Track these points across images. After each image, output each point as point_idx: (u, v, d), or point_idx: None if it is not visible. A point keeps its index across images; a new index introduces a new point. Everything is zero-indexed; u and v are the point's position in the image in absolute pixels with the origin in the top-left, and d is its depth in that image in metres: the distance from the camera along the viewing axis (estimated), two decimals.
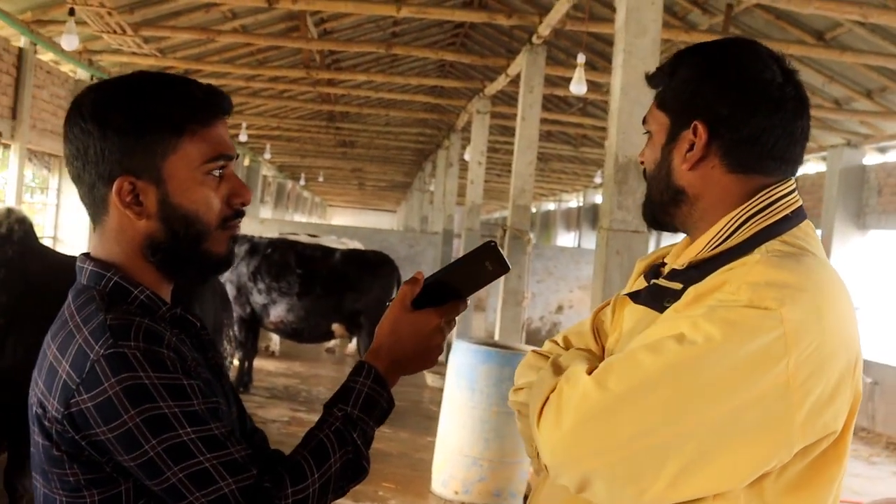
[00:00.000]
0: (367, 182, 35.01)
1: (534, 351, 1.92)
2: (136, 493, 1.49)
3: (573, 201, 29.32)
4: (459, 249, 14.83)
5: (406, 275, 18.50)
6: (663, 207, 1.76)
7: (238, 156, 1.68)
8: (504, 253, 1.65)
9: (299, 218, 36.89)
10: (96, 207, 1.58)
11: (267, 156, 22.17)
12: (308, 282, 9.73)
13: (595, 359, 1.74)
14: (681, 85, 1.71)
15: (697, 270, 1.64)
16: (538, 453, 1.67)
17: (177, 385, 1.44)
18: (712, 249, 1.67)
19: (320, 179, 31.46)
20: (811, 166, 14.62)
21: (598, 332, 1.88)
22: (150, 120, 1.53)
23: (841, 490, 1.66)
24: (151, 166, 1.53)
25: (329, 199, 48.42)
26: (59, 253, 4.81)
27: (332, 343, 14.83)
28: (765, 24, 9.89)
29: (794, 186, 1.74)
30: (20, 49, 9.90)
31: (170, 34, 11.11)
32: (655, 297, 1.72)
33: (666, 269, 1.78)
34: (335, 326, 9.86)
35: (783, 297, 1.50)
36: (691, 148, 1.69)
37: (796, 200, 1.72)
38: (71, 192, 11.53)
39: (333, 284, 9.73)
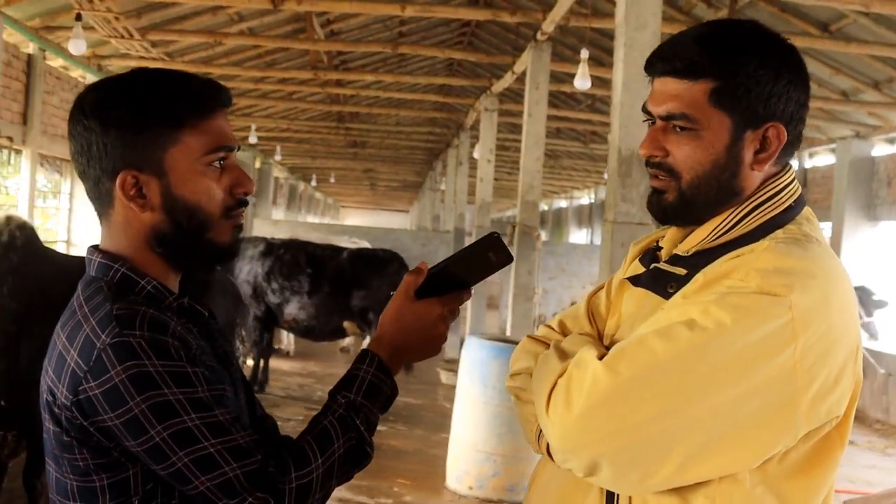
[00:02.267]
0: (378, 182, 35.04)
1: (529, 336, 1.92)
2: (144, 477, 1.53)
3: (585, 198, 29.29)
4: None
5: None
6: (707, 207, 1.69)
7: (239, 147, 1.67)
8: (507, 243, 1.67)
9: (312, 219, 36.98)
10: (102, 202, 1.62)
11: (277, 157, 22.20)
12: (317, 280, 9.81)
13: (596, 340, 1.76)
14: (749, 84, 1.62)
15: (703, 258, 1.65)
16: (538, 437, 1.70)
17: (181, 372, 1.48)
18: (717, 238, 1.67)
19: (332, 180, 31.50)
20: (821, 158, 14.58)
21: (592, 315, 1.89)
22: (150, 114, 1.56)
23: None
24: (153, 159, 1.57)
25: (341, 200, 48.48)
26: (63, 254, 4.85)
27: (346, 342, 14.93)
28: (769, 16, 9.87)
29: (794, 175, 1.75)
30: (29, 55, 9.97)
31: (177, 38, 11.17)
32: (657, 281, 1.73)
33: (664, 254, 1.77)
34: (346, 324, 9.91)
35: (792, 283, 1.52)
36: (761, 149, 1.66)
37: (797, 189, 1.73)
38: (83, 196, 11.61)
39: (342, 282, 9.80)
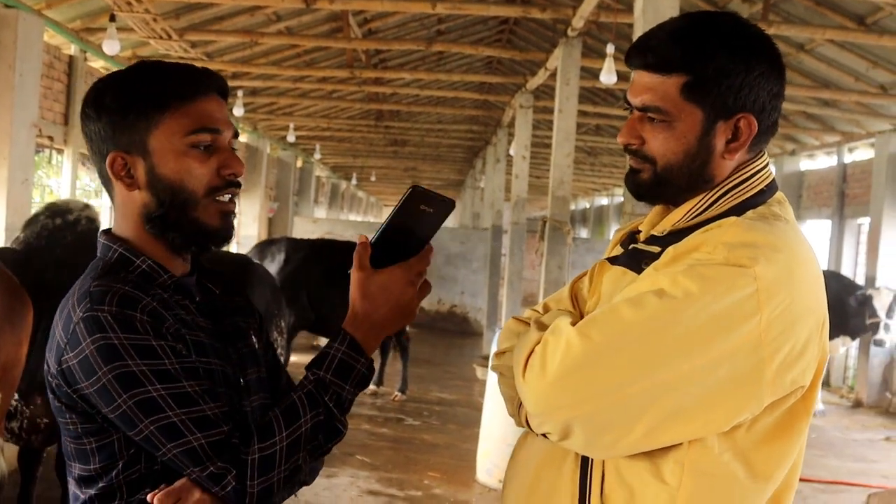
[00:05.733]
0: (420, 181, 35.12)
1: (515, 317, 1.99)
2: (126, 442, 1.64)
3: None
4: (507, 244, 14.87)
5: (459, 270, 18.39)
6: (679, 191, 1.78)
7: (237, 133, 1.78)
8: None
9: (354, 217, 37.14)
10: (106, 185, 1.77)
11: (317, 156, 22.35)
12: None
13: (576, 317, 1.81)
14: (719, 78, 1.69)
15: (676, 237, 1.72)
16: (519, 410, 1.77)
17: (145, 345, 1.58)
18: (691, 219, 1.75)
19: (373, 179, 31.61)
20: (859, 153, 14.41)
21: (576, 298, 1.96)
22: (135, 99, 1.69)
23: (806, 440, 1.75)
24: (138, 141, 1.69)
25: (384, 199, 48.59)
26: None
27: None
28: (804, 10, 9.80)
29: (766, 161, 1.82)
30: (71, 57, 10.16)
31: (215, 38, 11.31)
32: (634, 260, 1.80)
33: (642, 236, 1.85)
34: None
35: (757, 255, 1.58)
36: (732, 139, 1.73)
37: (769, 174, 1.81)
38: None
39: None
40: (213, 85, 1.75)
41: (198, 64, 9.93)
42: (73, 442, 1.68)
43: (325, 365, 1.68)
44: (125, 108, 1.69)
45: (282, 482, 1.61)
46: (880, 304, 11.13)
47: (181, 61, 1.89)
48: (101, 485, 1.66)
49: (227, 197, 1.74)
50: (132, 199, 1.73)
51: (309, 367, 1.72)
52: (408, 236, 1.69)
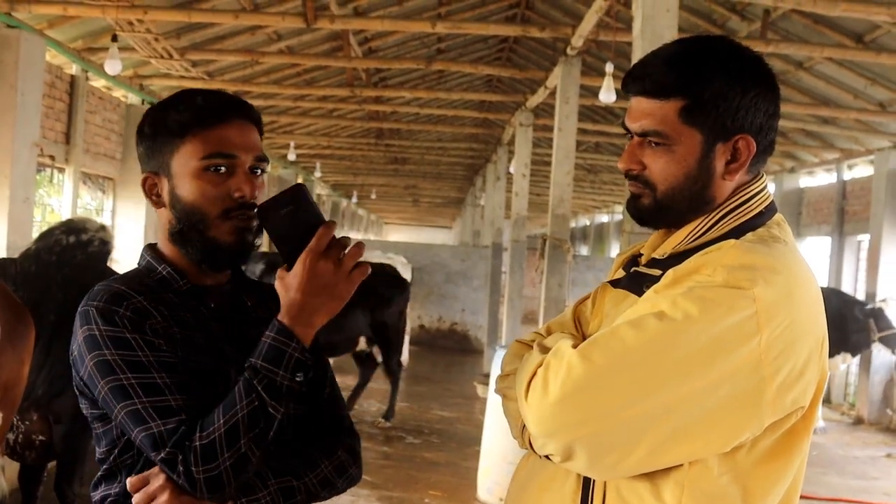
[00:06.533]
0: (421, 199, 35.14)
1: (518, 340, 2.02)
2: (120, 429, 1.80)
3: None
4: (508, 262, 14.89)
5: (460, 288, 18.34)
6: (680, 214, 1.80)
7: (264, 158, 1.90)
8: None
9: (353, 235, 37.13)
10: (150, 203, 1.95)
11: (317, 174, 22.38)
12: None
13: (579, 339, 1.81)
14: (716, 100, 1.71)
15: (677, 260, 1.74)
16: (522, 432, 1.78)
17: (121, 338, 1.75)
18: (692, 242, 1.77)
19: (373, 197, 31.65)
20: (858, 170, 14.44)
21: (579, 321, 1.99)
22: (162, 126, 1.87)
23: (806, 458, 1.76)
24: (164, 164, 1.87)
25: (385, 217, 48.64)
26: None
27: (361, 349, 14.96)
28: (803, 28, 9.85)
29: (765, 183, 1.84)
30: (72, 76, 10.20)
31: (216, 57, 11.35)
32: (635, 282, 1.82)
33: (644, 259, 1.88)
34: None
35: (756, 277, 1.60)
36: (732, 160, 1.75)
37: (768, 196, 1.83)
38: (125, 214, 11.82)
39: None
40: (236, 112, 1.88)
41: (199, 83, 9.99)
42: (92, 426, 1.87)
43: (258, 352, 1.75)
44: (155, 134, 1.88)
45: (230, 471, 1.67)
46: (893, 314, 11.06)
47: (220, 90, 2.10)
48: (105, 466, 1.86)
49: (242, 216, 1.85)
50: (161, 216, 1.92)
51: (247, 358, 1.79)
52: (298, 235, 1.74)
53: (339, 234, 1.79)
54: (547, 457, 1.71)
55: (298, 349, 1.75)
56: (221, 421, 1.69)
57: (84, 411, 1.87)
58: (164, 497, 1.69)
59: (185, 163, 1.84)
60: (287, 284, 1.75)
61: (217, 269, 1.92)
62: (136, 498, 1.72)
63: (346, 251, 1.76)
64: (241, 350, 1.85)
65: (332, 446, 1.96)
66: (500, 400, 1.97)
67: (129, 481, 1.74)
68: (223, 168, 1.84)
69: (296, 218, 1.75)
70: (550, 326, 2.01)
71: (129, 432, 1.74)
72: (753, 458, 1.66)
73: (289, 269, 1.76)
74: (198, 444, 1.67)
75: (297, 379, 1.75)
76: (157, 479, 1.71)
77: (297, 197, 1.75)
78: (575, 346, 1.66)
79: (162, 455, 1.68)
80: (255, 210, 1.82)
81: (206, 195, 1.83)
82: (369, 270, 1.79)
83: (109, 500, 1.84)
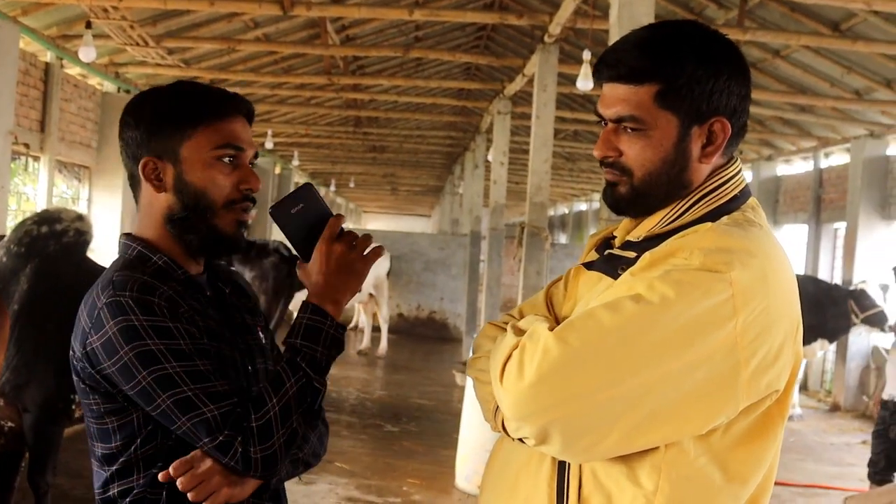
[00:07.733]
0: (399, 187, 35.11)
1: (491, 322, 2.01)
2: (144, 419, 1.82)
3: None
4: (486, 250, 14.91)
5: (438, 276, 18.36)
6: (657, 199, 1.79)
7: (258, 154, 2.01)
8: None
9: None
10: (134, 186, 1.98)
11: (295, 163, 22.31)
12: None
13: (552, 322, 1.82)
14: (691, 83, 1.71)
15: (652, 243, 1.73)
16: (495, 414, 1.77)
17: (163, 326, 1.77)
18: (667, 225, 1.77)
19: (351, 185, 31.59)
20: (835, 158, 14.52)
21: (551, 303, 1.97)
22: (172, 113, 1.91)
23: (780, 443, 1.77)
24: (170, 149, 1.90)
25: (363, 205, 48.57)
26: (95, 266, 4.96)
27: (363, 346, 15.05)
28: (780, 16, 9.89)
29: (739, 167, 1.84)
30: (47, 64, 10.12)
31: (192, 45, 11.28)
32: (609, 265, 1.81)
33: (617, 242, 1.87)
34: None
35: (732, 261, 1.60)
36: (708, 143, 1.76)
37: (742, 180, 1.83)
38: (101, 203, 11.74)
39: None
40: (242, 108, 1.97)
41: (175, 71, 9.93)
42: (96, 422, 1.86)
43: (296, 332, 1.86)
44: (162, 119, 1.91)
45: (283, 449, 1.76)
46: (874, 294, 11.09)
47: (213, 85, 2.17)
48: (121, 460, 1.84)
49: (243, 208, 1.94)
50: (158, 201, 1.93)
51: (284, 340, 1.88)
52: (310, 231, 1.90)
53: None
54: (521, 440, 1.70)
55: (333, 326, 1.87)
56: (275, 400, 1.77)
57: (90, 407, 1.86)
58: (217, 479, 1.75)
59: (196, 150, 1.90)
60: (308, 271, 1.89)
61: (212, 257, 2.01)
62: (182, 480, 1.74)
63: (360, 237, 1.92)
64: (236, 334, 1.97)
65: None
66: (472, 383, 1.96)
67: (173, 466, 1.75)
68: (232, 159, 1.92)
69: (307, 214, 1.89)
70: (523, 309, 1.99)
71: (170, 422, 1.76)
72: (728, 441, 1.66)
73: (306, 261, 1.89)
74: (255, 424, 1.74)
75: (334, 354, 1.86)
76: (203, 462, 1.75)
77: (305, 195, 1.89)
78: (550, 329, 1.66)
79: (220, 438, 1.72)
80: (269, 210, 1.90)
81: (217, 183, 1.90)
82: (383, 251, 1.92)
83: (134, 493, 1.84)
